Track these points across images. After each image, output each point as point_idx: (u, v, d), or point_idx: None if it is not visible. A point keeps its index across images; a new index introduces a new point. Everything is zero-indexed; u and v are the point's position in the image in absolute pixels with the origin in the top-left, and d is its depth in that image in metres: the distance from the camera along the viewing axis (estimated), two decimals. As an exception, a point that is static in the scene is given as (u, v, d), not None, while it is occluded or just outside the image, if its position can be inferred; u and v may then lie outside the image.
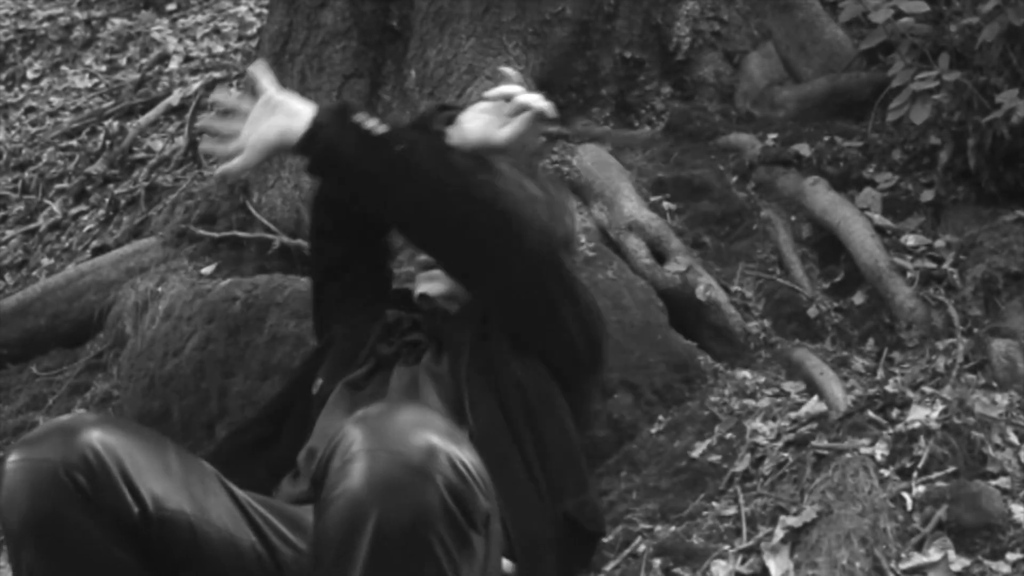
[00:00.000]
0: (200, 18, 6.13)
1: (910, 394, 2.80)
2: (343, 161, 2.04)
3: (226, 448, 2.27)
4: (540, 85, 3.71)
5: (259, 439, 2.24)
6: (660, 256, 3.27)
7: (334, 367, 2.22)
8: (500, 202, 2.07)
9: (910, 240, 3.24)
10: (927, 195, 3.32)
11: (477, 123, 2.18)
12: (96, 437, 1.70)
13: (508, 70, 2.27)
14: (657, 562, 2.59)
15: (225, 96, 2.18)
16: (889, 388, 2.84)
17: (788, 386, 2.98)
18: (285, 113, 2.06)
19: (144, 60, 5.84)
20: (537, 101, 2.16)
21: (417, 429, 1.61)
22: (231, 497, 1.84)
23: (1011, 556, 2.42)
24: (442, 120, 2.21)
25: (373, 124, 2.05)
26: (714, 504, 2.72)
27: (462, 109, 2.24)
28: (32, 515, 1.67)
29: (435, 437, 1.60)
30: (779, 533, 2.55)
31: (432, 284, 2.31)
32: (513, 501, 1.98)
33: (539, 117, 2.17)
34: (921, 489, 2.56)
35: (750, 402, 2.95)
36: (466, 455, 1.62)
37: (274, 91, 2.09)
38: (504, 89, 2.19)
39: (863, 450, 2.66)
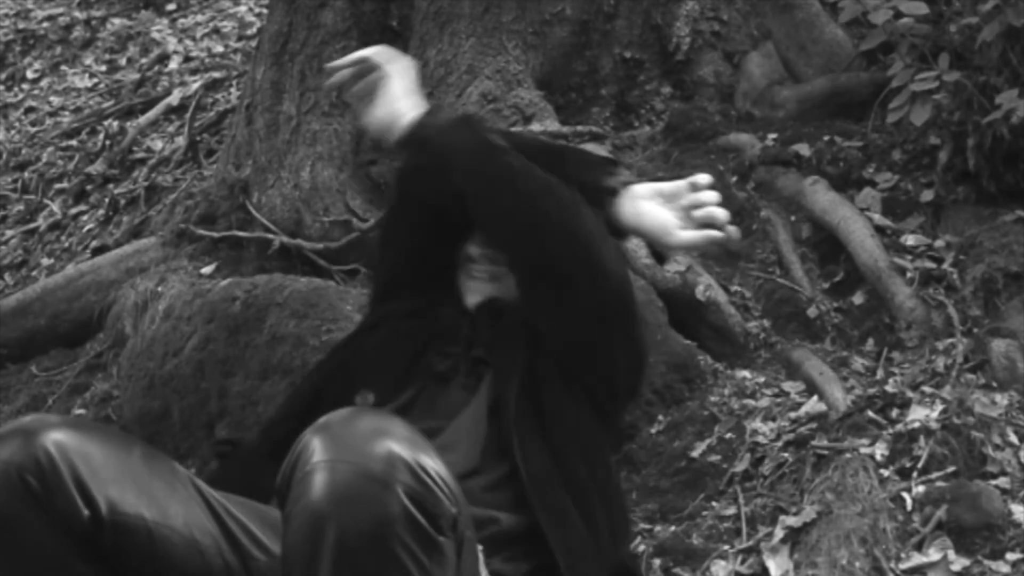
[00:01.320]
0: (200, 18, 6.13)
1: (910, 394, 2.80)
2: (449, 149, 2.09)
3: (246, 452, 2.18)
4: (540, 85, 3.72)
5: (280, 441, 2.14)
6: (660, 256, 3.27)
7: (383, 380, 2.10)
8: (592, 242, 2.04)
9: (910, 240, 3.24)
10: (927, 195, 3.32)
11: (659, 214, 2.13)
12: (52, 439, 1.68)
13: (703, 177, 2.17)
14: (657, 562, 2.59)
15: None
16: (889, 388, 2.84)
17: (788, 386, 2.98)
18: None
19: (144, 60, 5.84)
20: (726, 223, 2.08)
21: (376, 437, 1.59)
22: (203, 501, 1.81)
23: (1011, 556, 2.42)
24: (610, 177, 2.17)
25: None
26: (714, 504, 2.72)
27: (630, 174, 2.21)
28: None
29: (395, 444, 1.58)
30: (779, 533, 2.55)
31: (484, 286, 2.21)
32: (570, 549, 1.94)
33: (722, 242, 2.11)
34: (921, 489, 2.56)
35: (750, 402, 2.95)
36: (427, 461, 1.60)
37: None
38: (696, 180, 2.12)
39: (863, 450, 2.66)
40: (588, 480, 2.02)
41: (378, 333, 2.21)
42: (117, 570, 1.72)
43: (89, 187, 4.94)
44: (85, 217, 4.76)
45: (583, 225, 2.05)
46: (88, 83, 5.86)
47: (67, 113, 5.65)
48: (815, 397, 2.88)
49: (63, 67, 6.08)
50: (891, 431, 2.71)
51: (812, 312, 3.19)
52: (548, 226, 2.04)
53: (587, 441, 2.06)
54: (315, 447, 1.59)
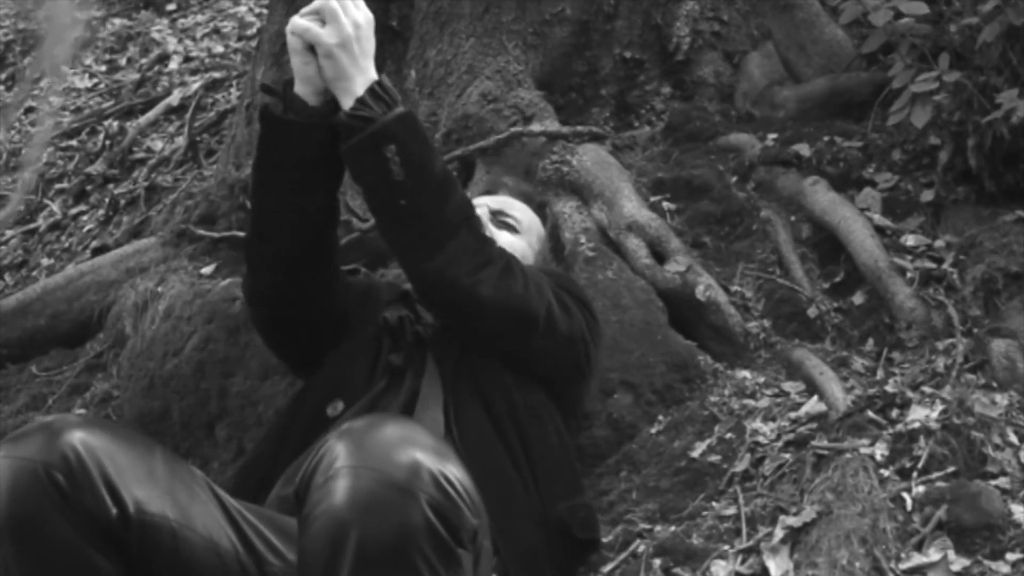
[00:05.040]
0: (200, 18, 6.13)
1: (910, 394, 2.80)
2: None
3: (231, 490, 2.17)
4: (540, 85, 3.71)
5: (262, 478, 2.13)
6: (660, 256, 3.27)
7: (353, 387, 2.13)
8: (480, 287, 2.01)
9: (910, 240, 3.24)
10: (927, 195, 3.32)
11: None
12: (78, 438, 1.69)
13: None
14: (657, 562, 2.59)
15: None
16: (889, 388, 2.84)
17: (788, 386, 2.98)
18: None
19: (144, 60, 5.84)
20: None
21: (402, 445, 1.59)
22: (220, 505, 1.82)
23: (1011, 556, 2.42)
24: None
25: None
26: (714, 504, 2.72)
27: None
28: (10, 512, 1.66)
29: (420, 454, 1.59)
30: (779, 533, 2.55)
31: None
32: (504, 511, 1.96)
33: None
34: (921, 489, 2.56)
35: (750, 402, 2.95)
36: (452, 471, 1.60)
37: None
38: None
39: (863, 450, 2.66)
40: (520, 444, 2.04)
41: (339, 350, 2.20)
42: (139, 570, 1.73)
43: (89, 187, 4.94)
44: (85, 217, 4.76)
45: (479, 268, 2.01)
46: (88, 83, 5.86)
47: (67, 113, 5.65)
48: (815, 397, 2.88)
49: (63, 67, 6.08)
50: (891, 431, 2.71)
51: (812, 312, 3.19)
52: (447, 264, 1.99)
53: (525, 406, 2.07)
54: (339, 452, 1.59)
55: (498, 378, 2.09)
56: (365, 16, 2.06)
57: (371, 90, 1.99)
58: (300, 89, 2.09)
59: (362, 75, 2.00)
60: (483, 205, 2.31)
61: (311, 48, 2.04)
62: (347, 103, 1.99)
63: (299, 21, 2.06)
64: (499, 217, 2.30)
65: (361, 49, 2.02)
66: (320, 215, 2.15)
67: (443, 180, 2.00)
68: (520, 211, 2.37)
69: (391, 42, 3.93)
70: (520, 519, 1.99)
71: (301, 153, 2.08)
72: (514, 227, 2.29)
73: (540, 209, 2.48)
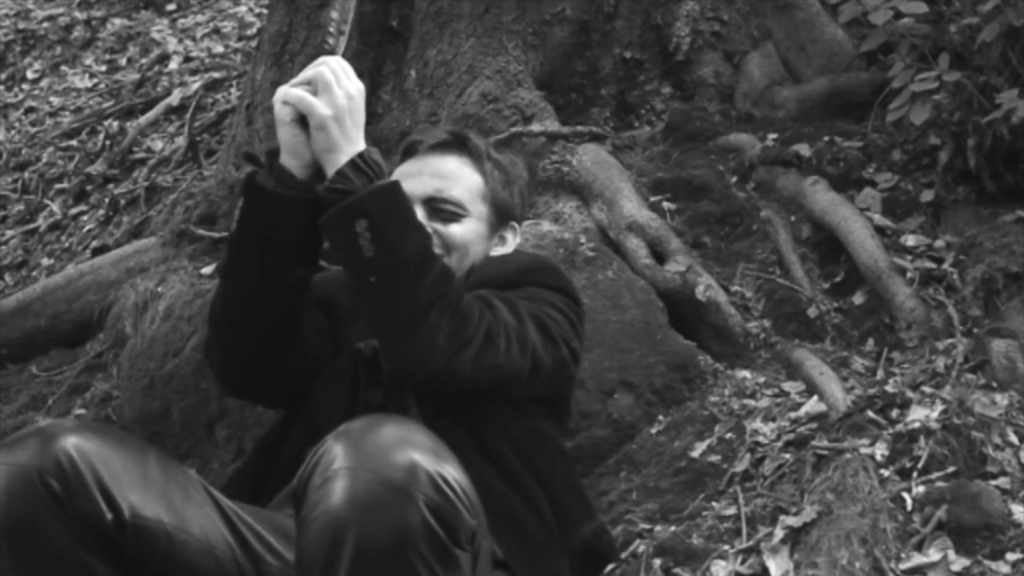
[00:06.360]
0: (200, 18, 6.13)
1: (910, 394, 2.80)
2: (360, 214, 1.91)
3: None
4: (540, 85, 3.72)
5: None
6: (660, 256, 3.27)
7: (331, 425, 1.98)
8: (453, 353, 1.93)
9: (910, 240, 3.24)
10: (927, 195, 3.32)
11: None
12: (72, 443, 1.69)
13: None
14: (657, 562, 2.58)
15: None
16: (889, 388, 2.84)
17: (788, 386, 2.98)
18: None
19: (144, 60, 5.84)
20: None
21: (399, 446, 1.60)
22: (216, 507, 1.82)
23: (1011, 556, 2.42)
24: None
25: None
26: (714, 504, 2.72)
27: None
28: (6, 518, 1.66)
29: (417, 455, 1.59)
30: (779, 533, 2.55)
31: None
32: (522, 545, 1.94)
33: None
34: (921, 489, 2.56)
35: (750, 402, 2.95)
36: (450, 472, 1.61)
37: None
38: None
39: (863, 450, 2.66)
40: (527, 475, 2.01)
41: (316, 385, 2.15)
42: (135, 574, 1.73)
43: (89, 187, 4.95)
44: (85, 217, 4.77)
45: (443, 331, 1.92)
46: (88, 83, 5.86)
47: (67, 113, 5.66)
48: (815, 397, 2.88)
49: (63, 67, 6.08)
50: (891, 431, 2.71)
51: (812, 312, 3.19)
52: (422, 331, 1.90)
53: (522, 435, 2.04)
54: (336, 453, 1.59)
55: (491, 411, 2.04)
56: (357, 87, 1.98)
57: (352, 162, 1.92)
58: (287, 161, 2.00)
59: (351, 147, 1.94)
60: (417, 200, 2.14)
61: (301, 119, 1.97)
62: (330, 175, 1.93)
63: (292, 91, 1.98)
64: (437, 206, 2.17)
65: (353, 121, 1.95)
66: (305, 286, 2.10)
67: (417, 260, 1.92)
68: (455, 182, 2.20)
69: (391, 42, 3.93)
70: (541, 552, 1.97)
71: (290, 226, 2.00)
72: (457, 214, 2.17)
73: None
